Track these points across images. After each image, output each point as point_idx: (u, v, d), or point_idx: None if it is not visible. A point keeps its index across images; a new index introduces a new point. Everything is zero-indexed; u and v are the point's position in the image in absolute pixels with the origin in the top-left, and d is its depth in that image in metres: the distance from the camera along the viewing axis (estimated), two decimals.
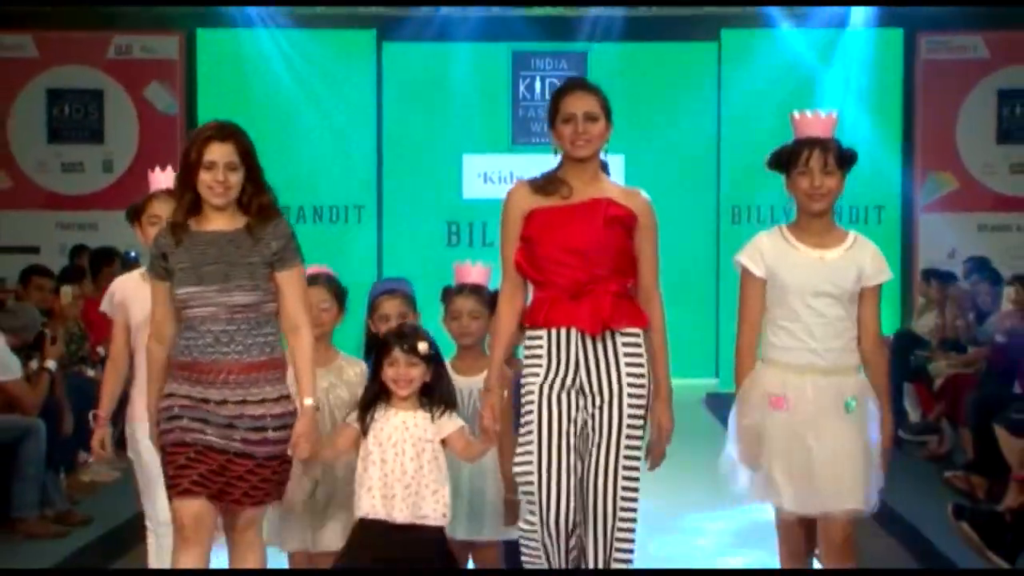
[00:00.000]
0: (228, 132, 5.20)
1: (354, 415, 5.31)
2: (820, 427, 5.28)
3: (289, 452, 5.14)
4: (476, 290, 5.81)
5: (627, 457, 5.18)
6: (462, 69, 14.84)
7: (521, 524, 5.26)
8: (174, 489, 5.10)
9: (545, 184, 5.31)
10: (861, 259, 5.39)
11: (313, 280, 5.64)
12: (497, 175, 14.64)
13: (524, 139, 14.67)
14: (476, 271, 5.90)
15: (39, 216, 14.65)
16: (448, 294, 5.91)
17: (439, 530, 5.24)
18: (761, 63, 14.54)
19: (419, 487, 5.19)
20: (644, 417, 5.25)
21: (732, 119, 14.74)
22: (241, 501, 5.14)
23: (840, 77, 14.39)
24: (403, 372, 5.23)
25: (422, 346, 5.25)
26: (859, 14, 14.52)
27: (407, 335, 5.29)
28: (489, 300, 5.72)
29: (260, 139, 16.27)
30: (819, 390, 5.32)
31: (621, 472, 5.17)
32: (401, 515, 5.16)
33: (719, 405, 12.65)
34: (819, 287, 5.33)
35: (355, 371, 5.70)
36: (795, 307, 5.35)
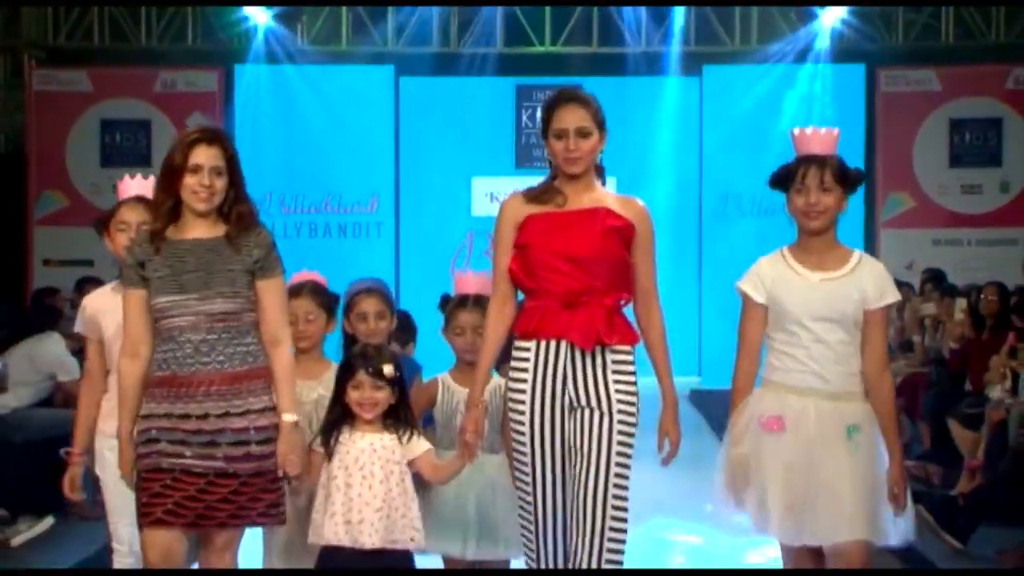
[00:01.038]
0: (214, 136, 4.49)
1: (318, 439, 4.65)
2: (821, 454, 4.56)
3: (280, 472, 4.46)
4: (479, 302, 5.03)
5: (619, 465, 4.60)
6: (471, 101, 14.87)
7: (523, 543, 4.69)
8: (145, 518, 4.40)
9: (540, 194, 4.74)
10: (863, 282, 4.69)
11: (297, 290, 5.00)
12: (502, 195, 14.50)
13: (526, 163, 14.65)
14: (477, 281, 5.18)
15: (93, 233, 14.54)
16: (449, 305, 5.23)
17: (407, 553, 4.62)
18: (739, 95, 14.57)
19: (390, 510, 4.54)
20: (633, 430, 4.65)
21: (713, 144, 14.73)
22: (226, 524, 4.42)
23: (808, 107, 14.39)
24: (368, 395, 4.59)
25: (387, 369, 4.60)
26: (825, 51, 14.53)
27: (372, 357, 4.64)
28: None
29: (289, 162, 16.22)
30: (822, 414, 4.60)
31: (612, 483, 4.58)
32: (371, 540, 4.49)
33: (702, 401, 12.62)
34: (818, 311, 4.63)
35: None
36: (795, 332, 4.65)
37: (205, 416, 4.40)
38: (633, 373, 4.68)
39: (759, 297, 4.73)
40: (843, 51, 14.57)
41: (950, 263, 13.40)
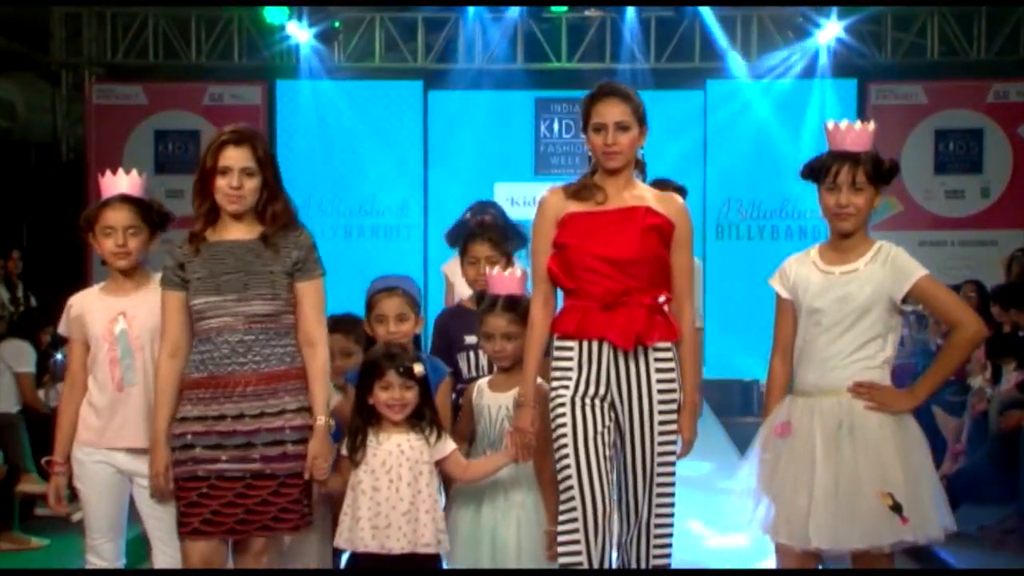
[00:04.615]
0: (244, 136, 4.12)
1: (344, 444, 4.25)
2: (821, 455, 4.14)
3: (307, 475, 4.11)
4: (510, 306, 4.50)
5: (662, 464, 4.26)
6: (494, 113, 14.72)
7: (560, 526, 4.21)
8: (184, 528, 4.09)
9: (579, 189, 4.33)
10: (879, 274, 4.23)
11: (335, 326, 4.50)
12: (522, 199, 14.51)
13: (545, 170, 14.55)
14: (510, 280, 4.59)
15: None
16: (480, 308, 4.66)
17: (435, 557, 4.20)
18: (740, 108, 14.41)
19: (417, 513, 4.11)
20: (675, 427, 4.30)
21: (716, 154, 14.53)
22: (272, 527, 4.08)
23: (805, 119, 14.26)
24: (398, 396, 4.18)
25: (418, 368, 4.20)
26: (820, 68, 14.33)
27: (398, 356, 4.23)
28: (525, 314, 4.41)
29: (327, 170, 16.14)
30: (823, 414, 4.18)
31: (656, 486, 4.24)
32: (398, 545, 4.09)
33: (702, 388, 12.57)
34: (829, 304, 4.21)
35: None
36: (810, 327, 4.25)
37: (240, 416, 4.07)
38: (674, 371, 4.31)
39: (784, 292, 4.36)
40: (837, 67, 14.40)
41: (935, 263, 13.06)
